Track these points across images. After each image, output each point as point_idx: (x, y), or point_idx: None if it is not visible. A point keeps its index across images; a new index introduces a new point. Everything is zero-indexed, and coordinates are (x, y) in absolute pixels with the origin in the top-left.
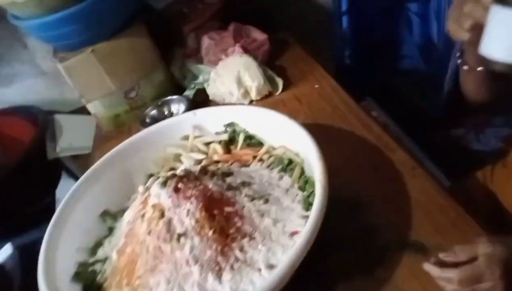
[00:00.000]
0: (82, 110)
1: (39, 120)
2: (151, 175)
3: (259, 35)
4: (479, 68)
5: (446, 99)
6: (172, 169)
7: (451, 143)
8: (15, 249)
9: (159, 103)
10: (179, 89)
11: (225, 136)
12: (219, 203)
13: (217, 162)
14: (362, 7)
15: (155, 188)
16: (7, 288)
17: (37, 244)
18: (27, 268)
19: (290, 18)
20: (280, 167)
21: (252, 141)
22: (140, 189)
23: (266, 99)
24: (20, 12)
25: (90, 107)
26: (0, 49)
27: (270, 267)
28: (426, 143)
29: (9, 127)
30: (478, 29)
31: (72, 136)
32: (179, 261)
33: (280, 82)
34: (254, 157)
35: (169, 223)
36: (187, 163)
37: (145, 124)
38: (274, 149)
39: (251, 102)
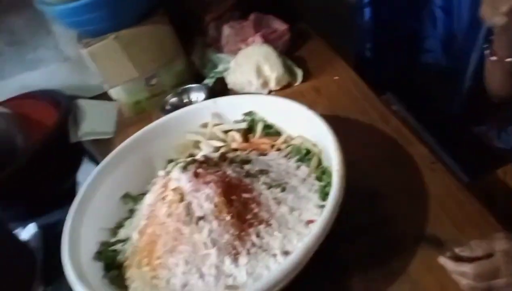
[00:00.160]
0: (104, 96)
1: (62, 105)
2: (170, 160)
3: (279, 25)
4: (508, 59)
5: (467, 95)
6: (191, 155)
7: (472, 140)
8: (39, 228)
9: (179, 91)
10: (198, 78)
11: (244, 125)
12: (237, 189)
13: (235, 149)
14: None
15: (176, 172)
16: (30, 263)
17: (59, 224)
18: (50, 246)
19: (311, 9)
20: (297, 157)
21: (270, 131)
22: (161, 173)
23: (285, 90)
24: None
25: (112, 93)
26: (25, 35)
27: (286, 253)
28: (445, 139)
29: (33, 111)
30: None
31: (94, 121)
32: (197, 243)
33: (299, 73)
34: (272, 146)
35: (188, 206)
36: (206, 150)
37: (165, 111)
38: (292, 138)
39: (270, 92)
